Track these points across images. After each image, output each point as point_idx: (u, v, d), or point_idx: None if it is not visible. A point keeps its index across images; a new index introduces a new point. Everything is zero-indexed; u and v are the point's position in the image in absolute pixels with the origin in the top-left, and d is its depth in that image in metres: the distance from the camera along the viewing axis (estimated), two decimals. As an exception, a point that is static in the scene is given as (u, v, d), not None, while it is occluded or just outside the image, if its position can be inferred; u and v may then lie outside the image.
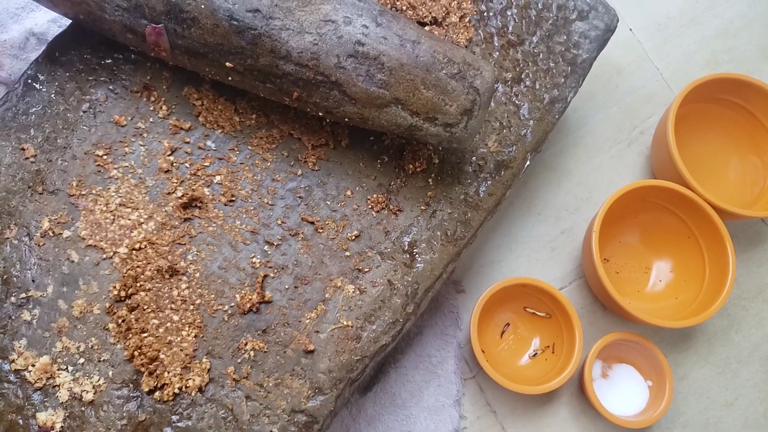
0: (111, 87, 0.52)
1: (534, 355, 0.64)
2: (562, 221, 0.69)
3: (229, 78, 0.48)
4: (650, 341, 0.61)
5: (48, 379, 0.45)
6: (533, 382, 0.61)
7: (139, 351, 0.46)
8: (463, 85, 0.46)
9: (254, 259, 0.50)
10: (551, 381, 0.59)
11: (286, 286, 0.50)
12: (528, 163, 0.56)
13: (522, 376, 0.62)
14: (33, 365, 0.46)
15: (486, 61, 0.49)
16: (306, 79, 0.46)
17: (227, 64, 0.46)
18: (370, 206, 0.53)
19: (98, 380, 0.46)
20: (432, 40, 0.47)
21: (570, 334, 0.61)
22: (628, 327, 0.66)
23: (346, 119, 0.48)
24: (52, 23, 0.64)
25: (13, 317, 0.46)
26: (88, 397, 0.45)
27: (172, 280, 0.48)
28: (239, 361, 0.48)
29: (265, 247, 0.50)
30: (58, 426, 0.45)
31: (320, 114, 0.49)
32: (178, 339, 0.47)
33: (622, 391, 0.62)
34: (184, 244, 0.49)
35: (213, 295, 0.49)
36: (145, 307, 0.47)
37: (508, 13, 0.59)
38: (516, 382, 0.59)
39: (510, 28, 0.58)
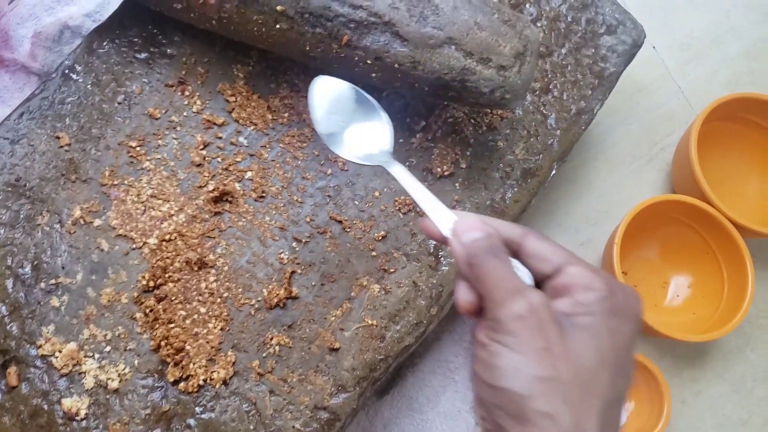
0: (146, 80, 0.53)
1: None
2: (582, 233, 0.69)
3: (277, 26, 0.47)
4: (648, 360, 0.61)
5: (74, 365, 0.46)
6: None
7: (165, 341, 0.46)
8: (515, 30, 0.47)
9: (282, 255, 0.50)
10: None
11: (313, 283, 0.50)
12: (554, 171, 0.57)
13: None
14: (60, 351, 0.46)
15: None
16: (358, 21, 0.46)
17: (278, 7, 0.46)
18: (397, 208, 0.53)
19: (124, 369, 0.46)
20: None
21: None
22: (645, 340, 0.67)
23: (396, 65, 0.47)
24: (86, 17, 0.64)
25: (41, 303, 0.47)
26: (113, 385, 0.45)
27: (200, 272, 0.49)
28: (264, 355, 0.48)
29: (293, 244, 0.51)
30: (82, 413, 0.45)
31: (368, 62, 0.48)
32: (205, 331, 0.47)
33: None
34: (214, 237, 0.50)
35: (240, 289, 0.49)
36: (173, 299, 0.48)
37: (538, 24, 0.60)
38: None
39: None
